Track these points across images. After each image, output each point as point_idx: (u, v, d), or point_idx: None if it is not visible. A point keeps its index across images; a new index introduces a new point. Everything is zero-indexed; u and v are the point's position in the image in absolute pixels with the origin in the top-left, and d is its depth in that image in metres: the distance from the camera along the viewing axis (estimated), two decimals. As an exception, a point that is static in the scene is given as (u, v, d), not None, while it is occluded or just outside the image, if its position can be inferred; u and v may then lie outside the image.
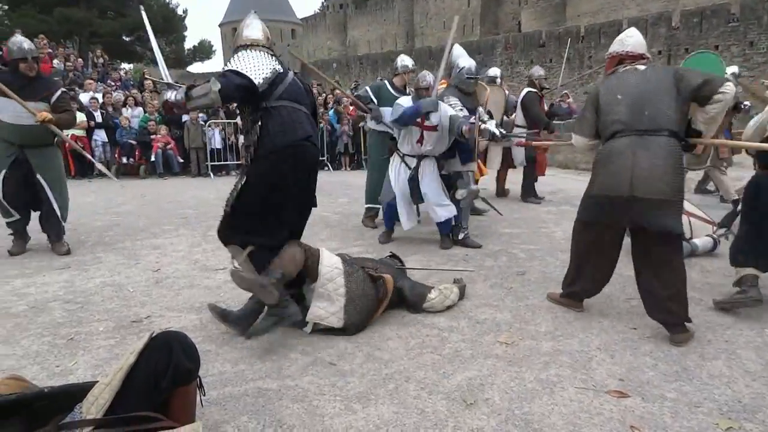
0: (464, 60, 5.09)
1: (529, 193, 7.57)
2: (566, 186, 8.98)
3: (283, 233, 3.00)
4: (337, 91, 12.16)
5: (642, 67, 3.04)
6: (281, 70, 2.95)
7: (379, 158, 5.61)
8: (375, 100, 5.56)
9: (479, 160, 6.42)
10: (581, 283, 3.28)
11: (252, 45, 3.01)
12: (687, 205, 4.12)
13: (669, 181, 2.78)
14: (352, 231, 5.67)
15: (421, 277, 3.79)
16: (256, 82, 2.77)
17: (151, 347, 1.66)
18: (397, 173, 4.78)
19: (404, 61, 5.75)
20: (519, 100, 7.28)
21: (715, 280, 3.97)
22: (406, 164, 4.74)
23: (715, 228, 4.73)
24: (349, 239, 5.25)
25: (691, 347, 2.84)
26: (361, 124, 12.06)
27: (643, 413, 2.21)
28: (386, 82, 5.80)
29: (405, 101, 4.62)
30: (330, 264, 2.99)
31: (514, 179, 7.91)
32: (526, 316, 3.28)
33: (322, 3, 70.30)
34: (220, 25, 56.02)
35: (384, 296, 3.12)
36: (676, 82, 2.85)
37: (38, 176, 4.55)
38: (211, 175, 10.99)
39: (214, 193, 8.37)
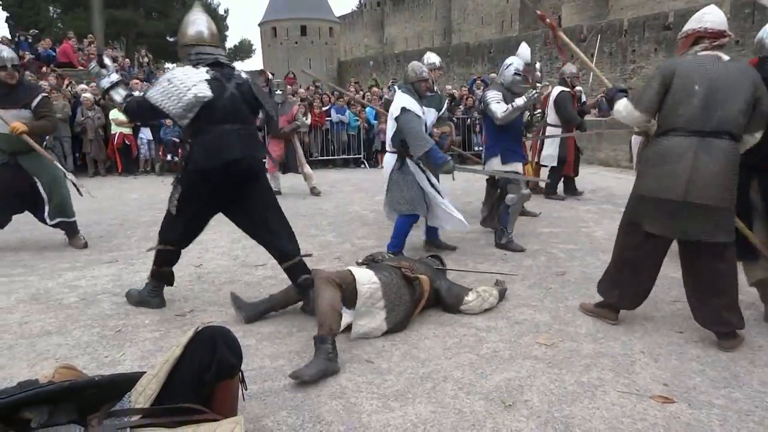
0: (514, 57, 4.84)
1: (553, 191, 7.54)
2: (607, 184, 8.75)
3: (189, 238, 3.33)
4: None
5: (726, 57, 2.74)
6: (209, 96, 2.93)
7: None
8: None
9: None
10: (618, 293, 3.07)
11: (196, 45, 3.09)
12: None
13: (725, 188, 2.65)
14: (388, 229, 5.63)
15: (458, 276, 3.77)
16: (171, 115, 2.98)
17: (196, 341, 1.70)
18: (423, 180, 4.37)
19: (431, 58, 5.48)
20: (552, 100, 7.20)
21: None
22: (422, 169, 4.40)
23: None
24: (386, 237, 5.24)
25: (742, 353, 2.73)
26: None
27: (689, 420, 2.14)
28: None
29: (410, 103, 4.21)
30: (367, 281, 2.90)
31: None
32: (566, 318, 3.21)
33: (360, 1, 70.54)
34: (259, 25, 56.84)
35: (420, 297, 3.12)
36: (754, 90, 2.66)
37: (35, 179, 4.62)
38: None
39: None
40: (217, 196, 3.12)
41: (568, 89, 7.16)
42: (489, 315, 3.25)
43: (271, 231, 3.20)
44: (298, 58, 50.90)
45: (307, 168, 8.28)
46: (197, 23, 3.11)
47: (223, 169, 2.98)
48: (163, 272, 3.36)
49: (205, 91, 2.92)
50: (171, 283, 3.46)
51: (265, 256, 4.58)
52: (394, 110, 4.27)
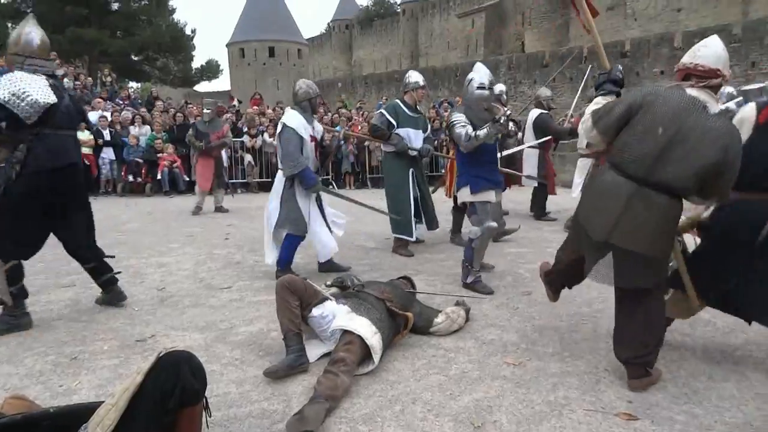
0: (476, 75, 4.28)
1: (542, 211, 7.74)
2: (572, 205, 8.94)
3: (33, 247, 3.34)
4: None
5: (715, 110, 2.39)
6: (54, 101, 3.17)
7: (398, 183, 5.39)
8: (395, 123, 5.26)
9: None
10: (547, 278, 3.20)
11: (30, 56, 3.22)
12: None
13: (654, 238, 2.44)
14: (354, 250, 5.66)
15: (426, 298, 3.77)
16: (19, 111, 3.04)
17: (159, 367, 1.64)
18: (305, 203, 4.43)
19: (415, 77, 5.41)
20: (531, 122, 7.42)
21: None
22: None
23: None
24: (352, 259, 5.24)
25: (700, 369, 2.81)
26: (368, 143, 12.11)
27: (653, 437, 2.18)
28: (398, 101, 5.49)
29: (297, 122, 4.33)
30: (377, 347, 2.75)
31: (519, 198, 7.93)
32: (533, 337, 3.25)
33: (328, 24, 71.30)
34: (227, 45, 56.73)
35: (401, 330, 3.09)
36: (722, 157, 2.33)
37: None
38: (217, 193, 11.03)
39: (221, 211, 8.42)
40: (52, 201, 3.28)
41: (545, 111, 7.45)
42: (457, 335, 3.26)
43: (78, 240, 3.58)
44: (266, 80, 50.97)
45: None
46: (31, 35, 3.26)
47: (62, 172, 3.23)
48: (14, 292, 3.27)
49: (50, 96, 3.15)
50: (26, 295, 3.39)
51: (231, 278, 4.53)
52: (279, 127, 4.43)
